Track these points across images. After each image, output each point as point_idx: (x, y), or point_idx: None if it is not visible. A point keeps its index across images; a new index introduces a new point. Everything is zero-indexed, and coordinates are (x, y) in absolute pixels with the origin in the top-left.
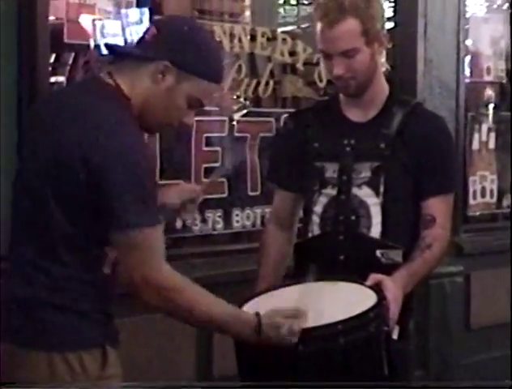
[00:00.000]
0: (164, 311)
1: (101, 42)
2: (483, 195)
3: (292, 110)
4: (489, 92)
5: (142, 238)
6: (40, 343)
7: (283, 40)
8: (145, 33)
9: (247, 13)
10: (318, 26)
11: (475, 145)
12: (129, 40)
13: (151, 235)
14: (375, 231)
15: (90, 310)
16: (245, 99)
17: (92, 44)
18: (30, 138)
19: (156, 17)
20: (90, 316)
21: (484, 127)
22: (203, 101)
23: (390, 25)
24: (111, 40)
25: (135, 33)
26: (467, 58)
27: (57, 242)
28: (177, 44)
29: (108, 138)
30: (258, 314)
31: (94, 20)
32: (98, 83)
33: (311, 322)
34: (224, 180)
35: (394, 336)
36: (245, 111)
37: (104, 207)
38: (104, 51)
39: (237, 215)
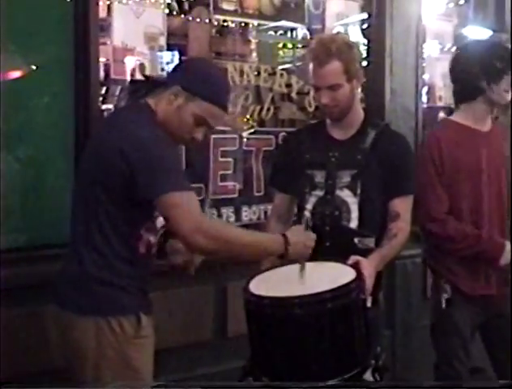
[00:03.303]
0: (210, 251)
1: (141, 78)
2: None
3: (288, 129)
4: (441, 115)
5: (179, 199)
6: (89, 310)
7: (281, 74)
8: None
9: (254, 54)
10: (310, 65)
11: None
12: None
13: (186, 196)
14: (353, 223)
15: (128, 285)
16: (252, 120)
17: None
18: (89, 147)
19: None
20: (128, 289)
21: None
22: (208, 121)
23: (363, 64)
24: None
25: (168, 71)
26: (424, 89)
27: (105, 226)
28: (187, 74)
29: (137, 133)
30: (284, 234)
31: (136, 61)
32: (137, 105)
33: (305, 291)
34: (236, 184)
35: (368, 304)
36: (252, 130)
37: (144, 185)
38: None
39: (246, 211)
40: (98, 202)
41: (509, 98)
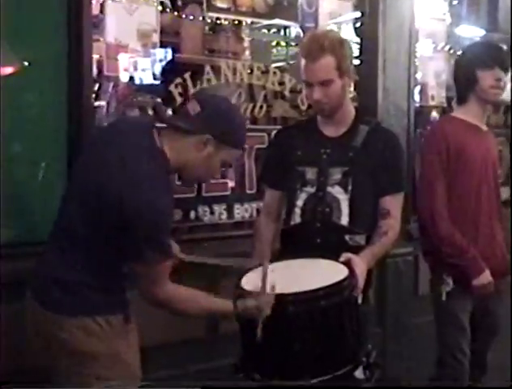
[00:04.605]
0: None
1: (134, 75)
2: None
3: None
4: (433, 114)
5: (152, 270)
6: (78, 311)
7: (274, 73)
8: (188, 105)
9: (247, 52)
10: (303, 61)
11: None
12: (156, 73)
13: (159, 267)
14: (344, 220)
15: (114, 288)
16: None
17: (127, 76)
18: (86, 164)
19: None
20: (115, 292)
21: None
22: (232, 162)
23: (356, 62)
24: (141, 74)
25: (161, 67)
26: (417, 88)
27: (91, 249)
28: (217, 122)
29: (141, 194)
30: (235, 302)
31: (129, 58)
32: (149, 144)
33: (298, 288)
34: (228, 181)
35: (359, 301)
36: None
37: (128, 244)
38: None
39: (238, 208)
40: (86, 228)
41: (496, 95)
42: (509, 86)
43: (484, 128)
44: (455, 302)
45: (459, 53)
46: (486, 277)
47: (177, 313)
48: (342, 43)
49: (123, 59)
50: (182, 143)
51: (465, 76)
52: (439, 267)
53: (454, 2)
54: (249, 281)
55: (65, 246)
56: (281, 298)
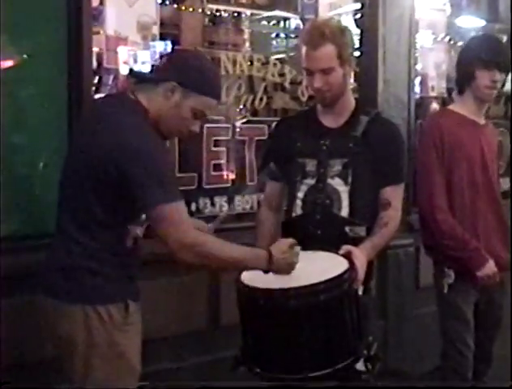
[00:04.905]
0: (196, 264)
1: (134, 67)
2: None
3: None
4: (434, 105)
5: (166, 212)
6: (78, 298)
7: (274, 64)
8: (159, 61)
9: (247, 44)
10: (304, 49)
11: None
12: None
13: (173, 208)
14: (344, 212)
15: (115, 274)
16: (245, 110)
17: (127, 69)
18: (76, 140)
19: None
20: (115, 278)
21: None
22: (205, 113)
23: (357, 54)
24: (141, 66)
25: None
26: (417, 79)
27: (92, 223)
28: (182, 69)
29: (130, 141)
30: (269, 250)
31: (129, 50)
32: (124, 100)
33: (298, 282)
34: (228, 173)
35: (360, 293)
36: (244, 119)
37: (133, 195)
38: (130, 75)
39: (239, 200)
40: (86, 199)
41: (490, 96)
42: (509, 77)
43: (482, 121)
44: (457, 295)
45: (462, 44)
46: (490, 268)
47: (209, 260)
48: (343, 31)
49: (123, 51)
50: (153, 93)
51: (464, 71)
52: (440, 260)
53: None
54: (249, 276)
55: (65, 231)
56: (281, 293)
